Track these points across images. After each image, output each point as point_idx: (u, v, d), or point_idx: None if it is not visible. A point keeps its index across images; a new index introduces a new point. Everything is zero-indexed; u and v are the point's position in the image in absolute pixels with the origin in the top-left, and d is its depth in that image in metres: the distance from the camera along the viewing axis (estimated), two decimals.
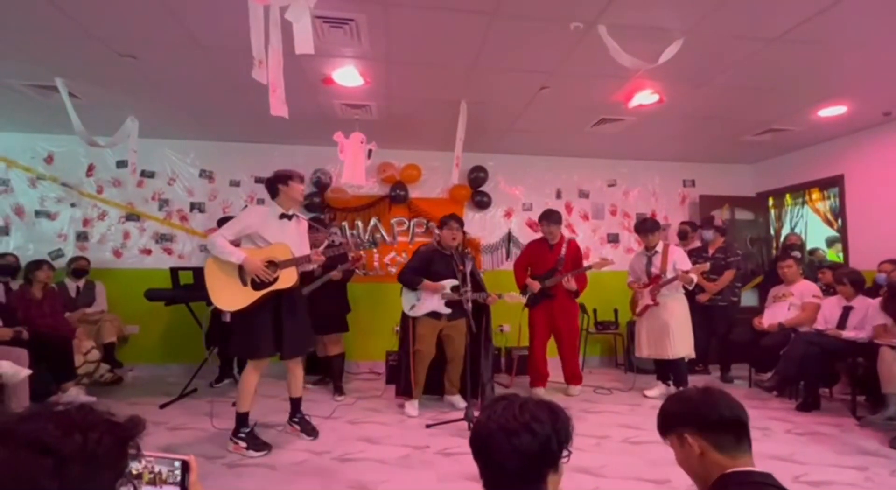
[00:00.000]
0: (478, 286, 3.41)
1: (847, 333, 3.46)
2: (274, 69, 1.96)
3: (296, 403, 2.96)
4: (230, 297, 2.60)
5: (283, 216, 2.75)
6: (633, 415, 3.44)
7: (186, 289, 3.85)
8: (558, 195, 5.45)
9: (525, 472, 0.92)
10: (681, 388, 1.24)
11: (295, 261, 2.70)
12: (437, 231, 3.62)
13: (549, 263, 3.91)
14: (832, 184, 4.86)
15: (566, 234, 5.27)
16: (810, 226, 5.48)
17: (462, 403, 3.42)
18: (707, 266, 3.87)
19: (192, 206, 4.89)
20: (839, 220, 4.83)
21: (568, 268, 3.85)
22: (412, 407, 3.40)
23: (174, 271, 3.82)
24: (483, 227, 5.27)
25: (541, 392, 4.00)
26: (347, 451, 2.72)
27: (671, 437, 1.16)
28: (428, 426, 3.10)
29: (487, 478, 0.97)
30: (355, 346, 4.66)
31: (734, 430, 1.10)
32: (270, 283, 2.63)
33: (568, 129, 4.44)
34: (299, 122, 4.15)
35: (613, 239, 5.51)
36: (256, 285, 2.63)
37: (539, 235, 4.13)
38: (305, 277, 3.75)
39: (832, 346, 3.43)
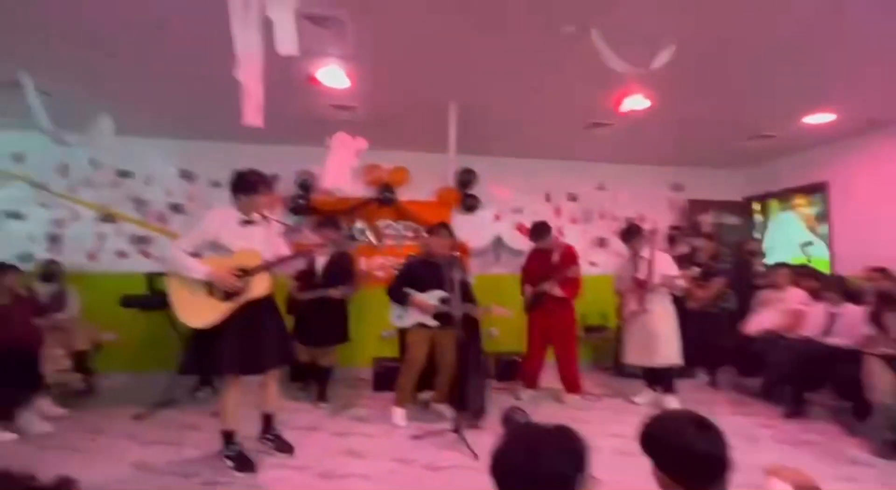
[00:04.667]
0: (467, 296, 3.34)
1: (832, 340, 3.48)
2: (251, 75, 1.84)
3: (268, 420, 2.78)
4: (199, 312, 2.38)
5: (245, 222, 2.51)
6: (622, 422, 3.41)
7: (164, 295, 3.69)
8: (547, 198, 5.41)
9: None
10: (670, 409, 1.29)
11: (266, 265, 2.48)
12: (425, 236, 3.55)
13: (543, 270, 3.90)
14: (817, 190, 4.91)
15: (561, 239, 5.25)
16: (794, 232, 5.53)
17: (450, 413, 3.35)
18: (697, 271, 3.86)
19: (171, 208, 4.72)
20: (822, 226, 4.89)
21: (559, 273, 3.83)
22: (400, 416, 3.31)
23: (150, 277, 3.67)
24: (472, 230, 5.20)
25: (530, 394, 3.96)
26: (331, 466, 2.62)
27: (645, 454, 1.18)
28: (415, 437, 3.02)
29: None
30: (342, 352, 4.54)
31: (701, 473, 1.09)
32: (240, 294, 2.45)
33: (558, 132, 4.40)
34: (284, 121, 4.04)
35: (602, 243, 5.50)
36: (227, 296, 2.43)
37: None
38: (306, 284, 3.63)
39: (818, 353, 3.45)
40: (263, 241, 2.57)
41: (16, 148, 4.46)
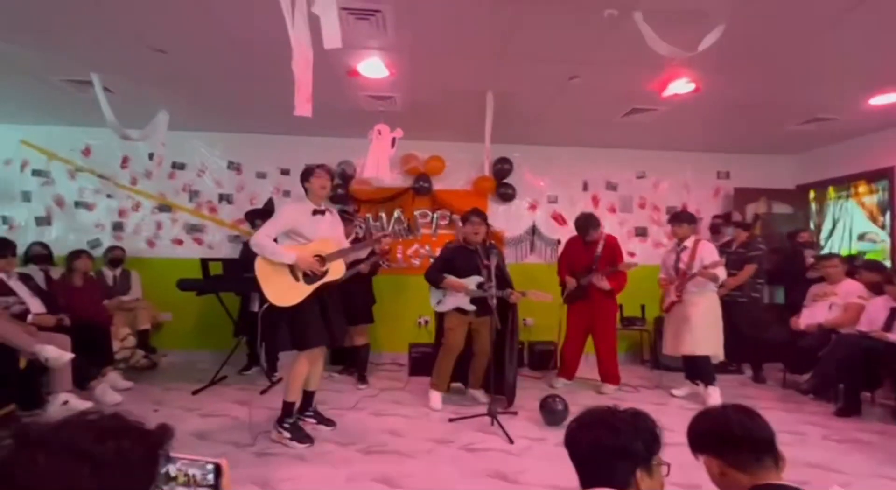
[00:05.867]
0: (504, 282, 3.37)
1: (894, 336, 3.27)
2: (301, 67, 1.93)
3: (310, 397, 2.94)
4: (285, 293, 2.65)
5: (315, 212, 2.77)
6: (660, 414, 3.32)
7: (216, 279, 3.95)
8: (585, 187, 5.32)
9: (609, 465, 1.02)
10: (709, 405, 1.30)
11: (341, 253, 2.79)
12: (459, 224, 3.60)
13: (585, 261, 3.85)
14: (881, 176, 4.58)
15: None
16: (855, 221, 5.18)
17: (484, 398, 3.42)
18: (722, 261, 3.68)
19: (221, 198, 4.99)
20: (885, 216, 4.55)
21: (604, 265, 3.78)
22: (437, 399, 3.41)
23: (204, 262, 3.91)
24: (507, 219, 5.20)
25: (563, 383, 3.97)
26: (372, 443, 2.76)
27: (699, 456, 1.21)
28: (451, 420, 3.11)
29: (580, 474, 1.06)
30: (379, 337, 4.70)
31: (750, 449, 1.11)
32: (321, 277, 2.72)
33: (597, 119, 4.31)
34: (325, 114, 4.15)
35: (641, 233, 5.36)
36: (309, 279, 2.69)
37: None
38: None
39: (876, 349, 3.26)
40: (331, 230, 2.85)
41: (84, 143, 4.84)
